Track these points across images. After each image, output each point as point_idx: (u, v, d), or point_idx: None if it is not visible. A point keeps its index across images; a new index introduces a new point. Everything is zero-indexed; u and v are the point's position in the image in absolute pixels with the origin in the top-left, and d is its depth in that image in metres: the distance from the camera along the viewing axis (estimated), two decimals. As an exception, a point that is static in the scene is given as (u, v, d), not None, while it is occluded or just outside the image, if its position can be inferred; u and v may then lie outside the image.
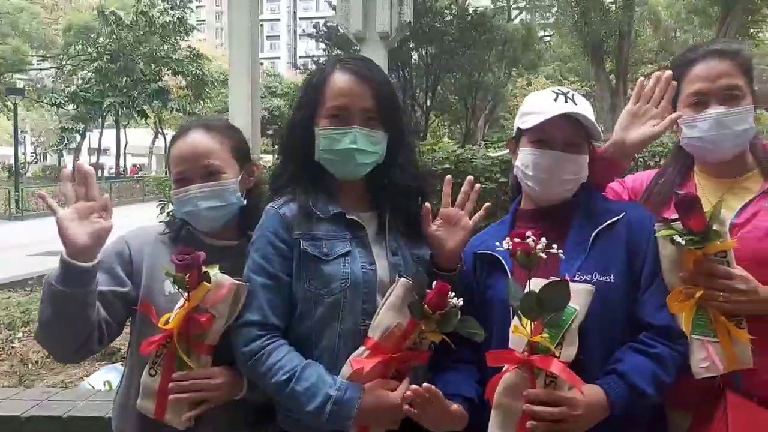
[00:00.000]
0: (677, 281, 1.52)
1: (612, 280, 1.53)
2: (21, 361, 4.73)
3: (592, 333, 1.48)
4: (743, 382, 1.54)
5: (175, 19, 27.91)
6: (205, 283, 1.53)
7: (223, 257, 1.67)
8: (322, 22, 23.34)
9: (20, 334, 5.37)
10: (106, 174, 39.03)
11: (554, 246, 1.42)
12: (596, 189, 1.77)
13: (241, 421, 1.67)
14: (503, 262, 1.61)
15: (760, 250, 1.57)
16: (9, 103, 27.42)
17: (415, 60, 20.94)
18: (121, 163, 39.41)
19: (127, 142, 39.18)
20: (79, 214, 1.48)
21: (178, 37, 29.37)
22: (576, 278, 1.51)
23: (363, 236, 1.64)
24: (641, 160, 4.11)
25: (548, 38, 28.35)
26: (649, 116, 1.75)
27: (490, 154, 3.90)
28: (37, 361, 4.59)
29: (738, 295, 1.47)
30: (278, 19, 72.56)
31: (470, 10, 21.22)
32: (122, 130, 36.23)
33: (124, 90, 28.52)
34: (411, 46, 19.69)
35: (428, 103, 21.95)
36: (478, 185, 1.70)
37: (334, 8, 12.59)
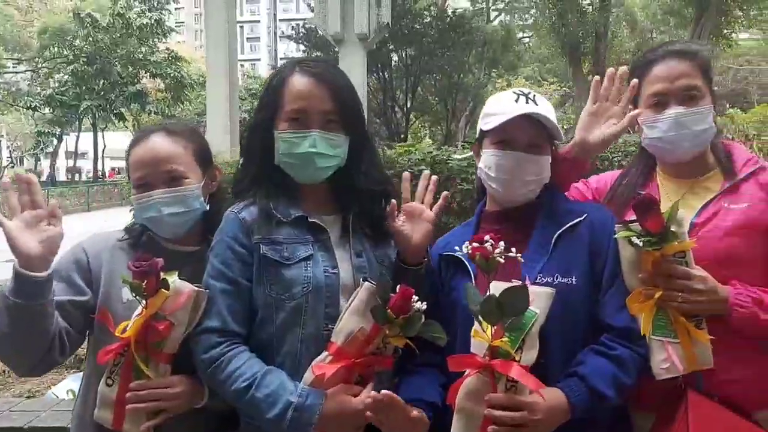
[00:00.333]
0: (637, 282, 1.52)
1: (573, 282, 1.53)
2: (-12, 370, 4.62)
3: (553, 335, 1.48)
4: (704, 382, 1.55)
5: (152, 21, 27.66)
6: (163, 290, 1.51)
7: (185, 263, 1.65)
8: (301, 23, 23.26)
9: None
10: (84, 178, 38.51)
11: (513, 249, 1.42)
12: (560, 189, 1.78)
13: (202, 429, 1.65)
14: (467, 264, 1.60)
15: (719, 249, 1.58)
16: (-17, 108, 26.99)
17: (395, 61, 20.94)
18: (99, 167, 38.90)
19: (105, 146, 38.71)
20: (27, 223, 1.44)
21: (156, 40, 29.12)
22: (538, 280, 1.51)
23: (325, 240, 1.62)
24: (615, 161, 4.15)
25: (527, 40, 28.57)
26: (609, 115, 1.77)
27: (456, 156, 3.90)
28: (4, 371, 4.49)
29: (697, 295, 1.48)
30: (258, 21, 72.24)
31: (449, 11, 21.30)
32: (100, 134, 35.80)
33: (101, 93, 28.19)
34: (390, 47, 19.68)
35: (408, 105, 21.96)
36: (434, 177, 1.70)
37: (313, 10, 12.54)
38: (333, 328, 1.52)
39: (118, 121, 31.93)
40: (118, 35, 27.65)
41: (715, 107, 1.72)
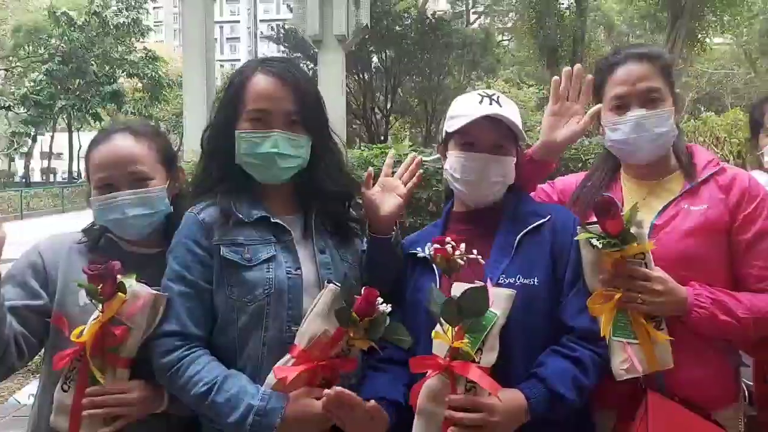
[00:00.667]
0: (597, 284, 1.53)
1: (536, 283, 1.53)
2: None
3: (516, 336, 1.48)
4: (665, 382, 1.56)
5: (129, 20, 27.30)
6: (120, 294, 1.48)
7: (146, 265, 1.62)
8: (281, 24, 23.16)
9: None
10: (59, 179, 37.85)
11: (474, 251, 1.42)
12: (526, 190, 1.79)
13: (163, 434, 1.62)
14: (433, 264, 1.60)
15: (679, 250, 1.60)
16: (-44, 107, 26.43)
17: (374, 63, 20.95)
18: (75, 168, 38.25)
19: (80, 146, 38.01)
20: None
21: (133, 39, 28.76)
22: (500, 281, 1.52)
23: (288, 241, 1.60)
24: (589, 162, 4.18)
25: (507, 43, 28.76)
26: (571, 113, 1.81)
27: (424, 159, 3.91)
28: (-34, 376, 4.37)
29: (656, 296, 1.50)
30: (238, 21, 71.74)
31: (429, 14, 21.37)
32: (75, 134, 35.21)
33: (77, 92, 27.78)
34: (370, 49, 19.68)
35: (388, 106, 21.99)
36: (419, 158, 1.75)
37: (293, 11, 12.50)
38: (296, 330, 1.50)
39: (94, 122, 31.39)
40: (95, 34, 27.26)
41: (676, 109, 1.73)
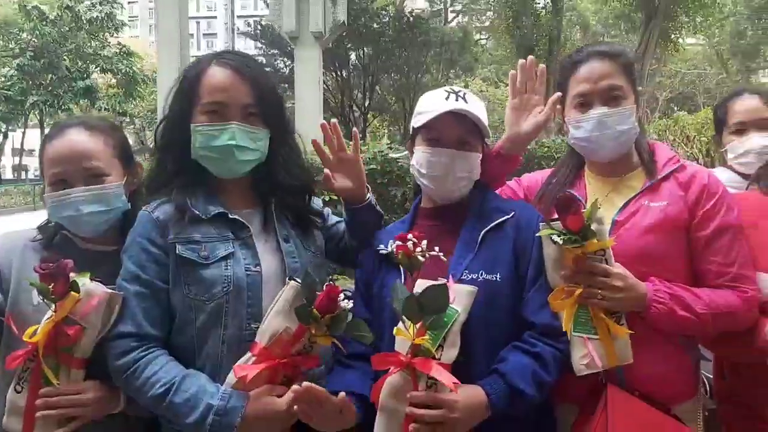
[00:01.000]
0: (559, 280, 1.54)
1: (498, 279, 1.54)
2: None
3: (478, 332, 1.48)
4: (625, 377, 1.57)
5: (103, 14, 26.78)
6: (73, 293, 1.44)
7: (102, 263, 1.59)
8: (258, 20, 22.95)
9: None
10: (30, 176, 37.09)
11: (436, 248, 1.42)
12: (493, 186, 1.81)
13: (121, 436, 1.58)
14: None
15: (639, 246, 1.61)
16: None
17: (352, 61, 20.91)
18: (47, 165, 37.46)
19: (53, 143, 37.31)
20: None
21: (107, 34, 28.25)
22: (463, 276, 1.52)
23: (247, 237, 1.58)
24: (560, 159, 4.21)
25: (484, 41, 28.90)
26: (532, 105, 1.84)
27: (392, 155, 3.92)
28: None
29: (615, 292, 1.51)
30: (215, 17, 70.99)
31: (407, 11, 21.38)
32: (47, 130, 34.54)
33: (49, 88, 27.17)
34: (348, 46, 19.65)
35: (367, 104, 21.97)
36: (354, 130, 1.82)
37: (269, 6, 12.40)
38: (256, 328, 1.48)
39: (67, 118, 30.85)
40: (67, 29, 26.71)
41: (638, 107, 1.75)
